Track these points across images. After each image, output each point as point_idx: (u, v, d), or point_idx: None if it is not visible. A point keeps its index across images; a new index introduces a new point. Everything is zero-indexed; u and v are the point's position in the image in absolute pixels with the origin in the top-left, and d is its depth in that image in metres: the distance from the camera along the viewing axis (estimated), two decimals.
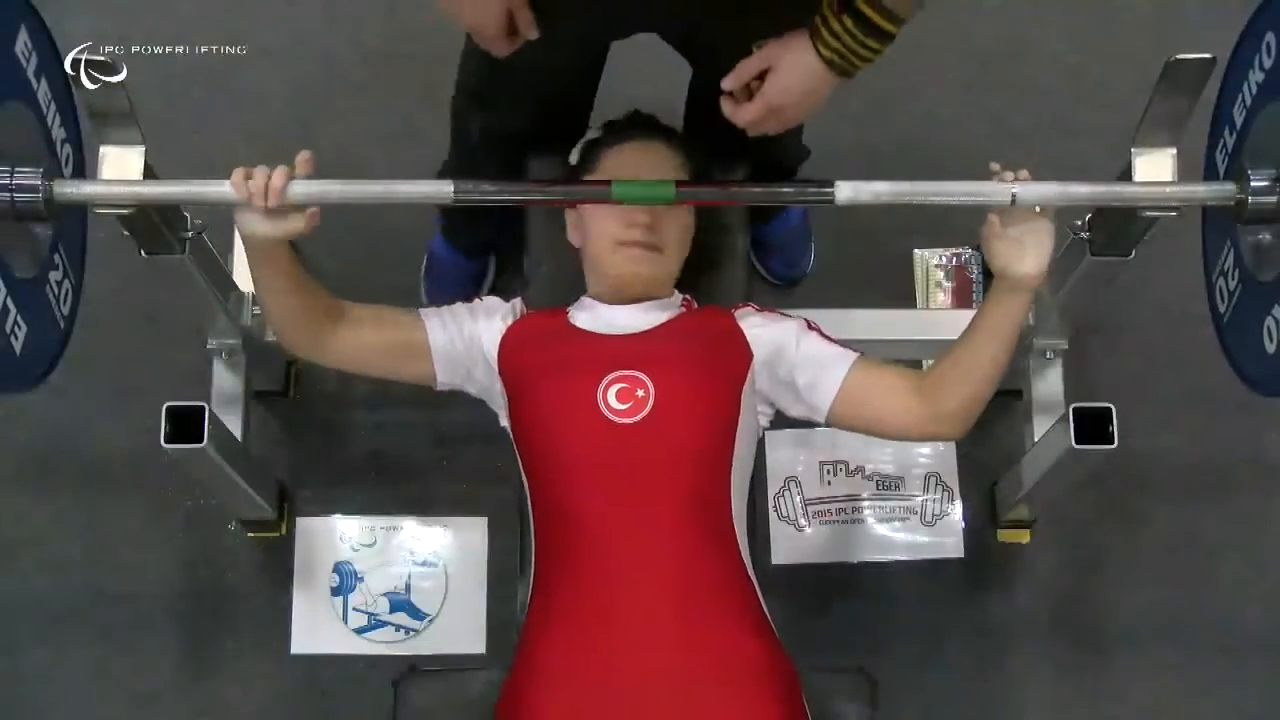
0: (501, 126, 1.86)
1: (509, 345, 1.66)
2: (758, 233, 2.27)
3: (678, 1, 1.65)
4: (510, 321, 1.69)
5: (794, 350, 1.64)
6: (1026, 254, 1.50)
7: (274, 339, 2.07)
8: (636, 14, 1.72)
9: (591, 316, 1.69)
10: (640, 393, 1.58)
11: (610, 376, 1.59)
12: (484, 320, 1.68)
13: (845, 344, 1.66)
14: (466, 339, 1.66)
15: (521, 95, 1.80)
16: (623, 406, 1.58)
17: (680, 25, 1.77)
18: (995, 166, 1.50)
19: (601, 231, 1.67)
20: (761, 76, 1.53)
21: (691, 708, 1.50)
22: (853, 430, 1.67)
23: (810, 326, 1.67)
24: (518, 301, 1.73)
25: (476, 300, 1.73)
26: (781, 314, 1.70)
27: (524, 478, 1.66)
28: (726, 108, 1.58)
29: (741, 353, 1.64)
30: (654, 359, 1.61)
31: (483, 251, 2.35)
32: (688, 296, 1.73)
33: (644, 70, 1.99)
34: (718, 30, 1.65)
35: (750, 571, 1.61)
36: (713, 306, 1.73)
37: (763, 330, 1.66)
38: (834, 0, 1.44)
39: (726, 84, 1.56)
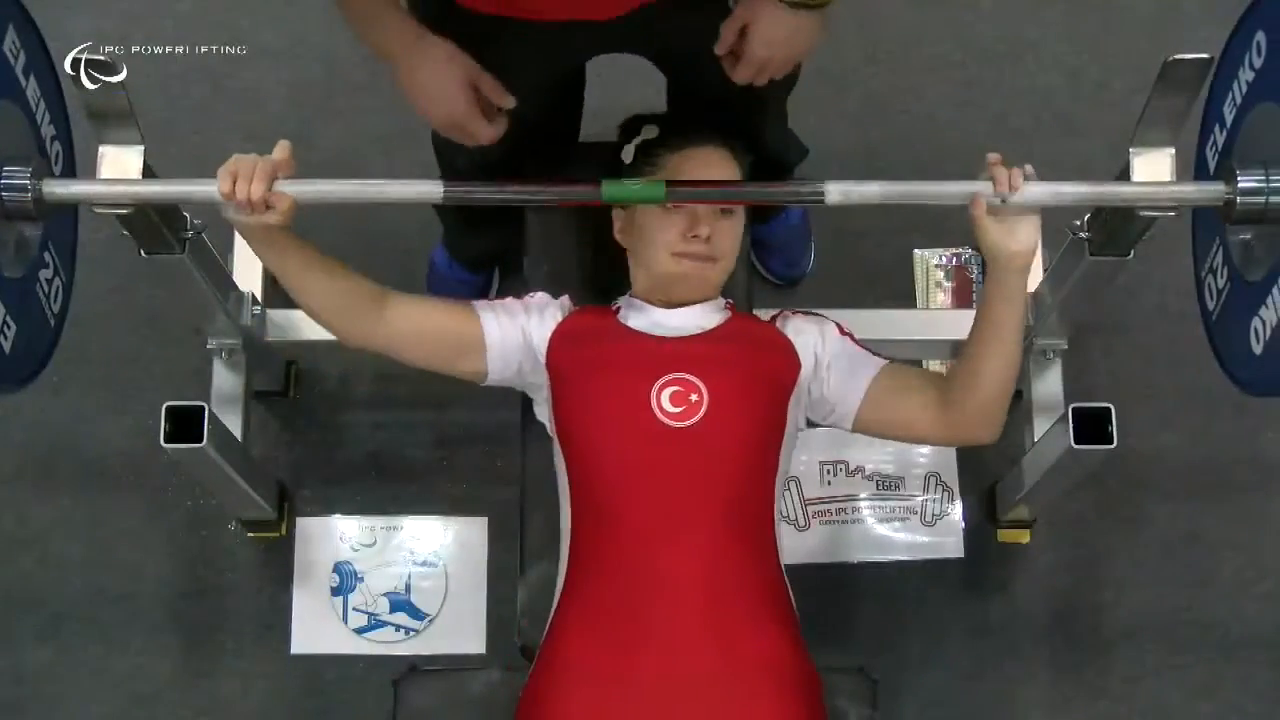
0: (485, 157, 1.84)
1: (559, 340, 1.65)
2: (758, 232, 2.27)
3: (634, 28, 1.62)
4: (560, 317, 1.67)
5: (824, 353, 1.64)
6: (1017, 231, 1.50)
7: (274, 339, 2.09)
8: (593, 44, 1.73)
9: (642, 317, 1.67)
10: (694, 397, 1.58)
11: (664, 379, 1.59)
12: (536, 315, 1.67)
13: (875, 350, 1.66)
14: (519, 334, 1.65)
15: (507, 139, 1.75)
16: (676, 410, 1.57)
17: (641, 45, 1.77)
18: (993, 157, 1.50)
19: (659, 240, 1.64)
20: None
21: (721, 711, 1.50)
22: (881, 436, 1.68)
23: (842, 331, 1.68)
24: (565, 299, 1.71)
25: (528, 296, 1.71)
26: (818, 316, 1.70)
27: (564, 473, 1.64)
28: (726, 67, 1.61)
29: (791, 362, 1.64)
30: (708, 362, 1.60)
31: (485, 265, 2.33)
32: (730, 300, 1.72)
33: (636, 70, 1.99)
34: (678, 34, 1.66)
35: (784, 576, 1.61)
36: (753, 315, 1.73)
37: (805, 338, 1.66)
38: None
39: (718, 49, 1.59)
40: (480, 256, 2.29)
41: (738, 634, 1.53)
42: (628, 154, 1.74)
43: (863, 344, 1.67)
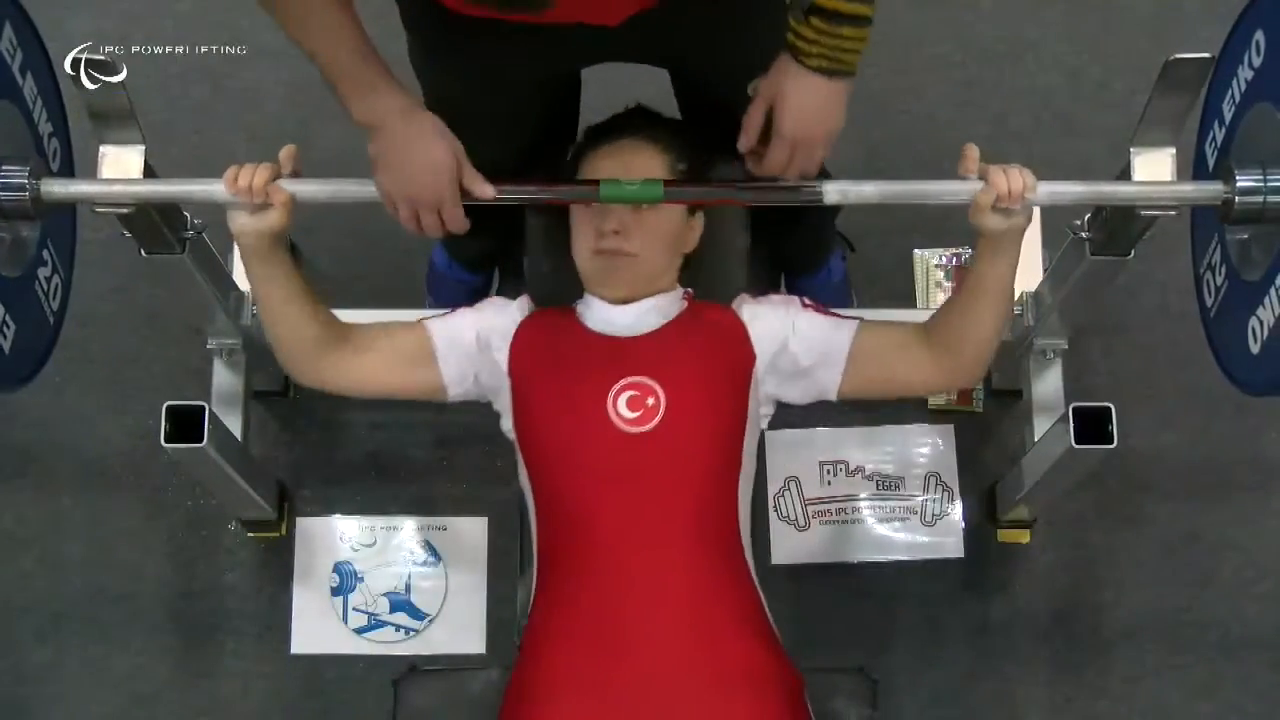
0: (492, 170, 1.83)
1: (520, 343, 1.64)
2: (794, 287, 2.24)
3: (640, 34, 1.59)
4: (520, 318, 1.67)
5: (793, 336, 1.63)
6: (1013, 215, 1.49)
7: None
8: (596, 50, 1.69)
9: (597, 316, 1.66)
10: (651, 401, 1.57)
11: (621, 384, 1.58)
12: (492, 317, 1.66)
13: (842, 316, 1.65)
14: (472, 339, 1.64)
15: (503, 143, 1.74)
16: (633, 415, 1.57)
17: (649, 53, 1.72)
18: (972, 154, 1.48)
19: (578, 238, 1.65)
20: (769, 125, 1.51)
21: (697, 716, 1.50)
22: (869, 397, 1.66)
23: (805, 305, 1.66)
24: (524, 299, 1.70)
25: (482, 301, 1.71)
26: (783, 296, 1.69)
27: (527, 482, 1.64)
28: (751, 166, 1.55)
29: (746, 354, 1.63)
30: (663, 365, 1.59)
31: (485, 265, 2.32)
32: (689, 290, 1.71)
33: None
34: (689, 43, 1.64)
35: (754, 579, 1.60)
36: (713, 303, 1.70)
37: (763, 323, 1.64)
38: (796, 11, 1.43)
39: (741, 146, 1.53)
40: (479, 257, 2.29)
41: (715, 639, 1.53)
42: (570, 155, 1.74)
43: (830, 311, 1.65)
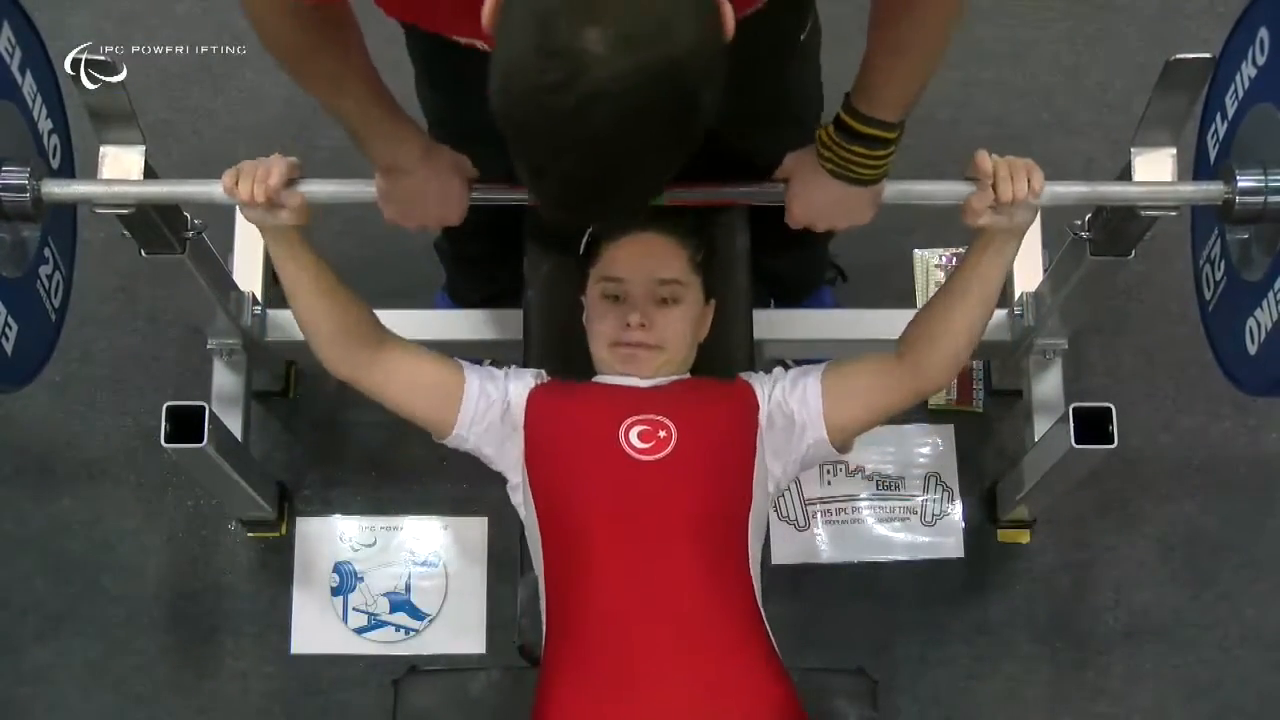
0: (489, 253, 1.81)
1: (536, 398, 1.63)
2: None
3: None
4: (537, 382, 1.66)
5: (783, 393, 1.61)
6: (1015, 214, 1.48)
7: (274, 339, 2.09)
8: None
9: (611, 379, 1.66)
10: (662, 433, 1.56)
11: (632, 419, 1.57)
12: (515, 380, 1.65)
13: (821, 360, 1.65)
14: (497, 395, 1.63)
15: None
16: (645, 445, 1.56)
17: None
18: (984, 165, 1.48)
19: (599, 332, 1.65)
20: None
21: None
22: (859, 431, 1.64)
23: (787, 367, 1.66)
24: (543, 371, 1.69)
25: (510, 366, 1.70)
26: (763, 374, 1.68)
27: (535, 525, 1.61)
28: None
29: (750, 401, 1.62)
30: (675, 405, 1.60)
31: (488, 307, 2.32)
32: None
33: None
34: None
35: (763, 615, 1.58)
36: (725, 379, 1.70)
37: (760, 388, 1.64)
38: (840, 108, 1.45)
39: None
40: (482, 302, 2.28)
41: (720, 675, 1.51)
42: (581, 247, 1.74)
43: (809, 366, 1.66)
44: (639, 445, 1.56)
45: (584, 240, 1.74)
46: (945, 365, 1.57)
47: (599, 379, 1.67)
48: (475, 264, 2.17)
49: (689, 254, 1.68)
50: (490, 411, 1.62)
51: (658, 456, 1.55)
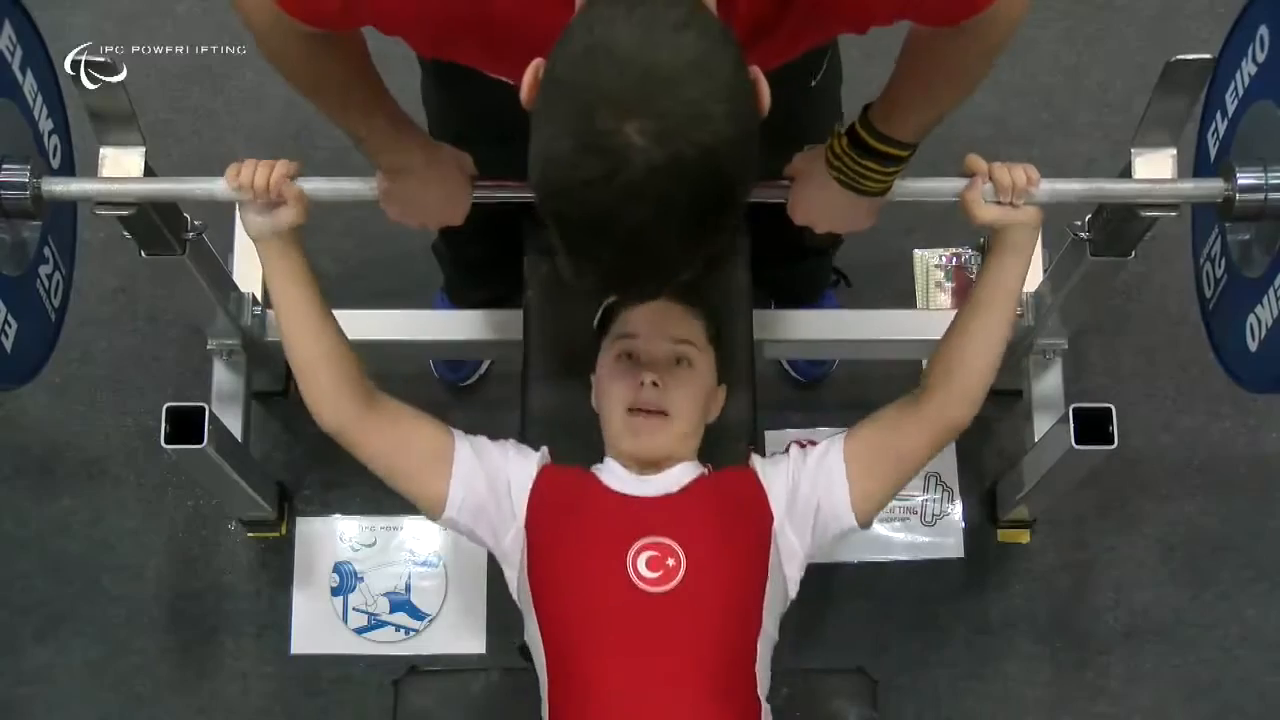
0: (488, 257, 1.79)
1: (539, 492, 1.58)
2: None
3: None
4: (539, 469, 1.60)
5: (800, 475, 1.58)
6: (1016, 196, 1.48)
7: (275, 338, 2.08)
8: None
9: (617, 479, 1.61)
10: (671, 561, 1.52)
11: (641, 543, 1.53)
12: (515, 461, 1.60)
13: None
14: (492, 473, 1.58)
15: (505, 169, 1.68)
16: (653, 575, 1.51)
17: None
18: (977, 166, 1.48)
19: (609, 396, 1.61)
20: None
21: None
22: (890, 490, 1.61)
23: (802, 446, 1.63)
24: (545, 450, 1.64)
25: (504, 441, 1.64)
26: (780, 457, 1.64)
27: (539, 640, 1.57)
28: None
29: (764, 513, 1.58)
30: (683, 525, 1.55)
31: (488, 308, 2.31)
32: (709, 465, 1.65)
33: None
34: None
35: None
36: (729, 468, 1.65)
37: (777, 476, 1.60)
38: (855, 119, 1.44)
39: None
40: (481, 300, 2.27)
41: None
42: (597, 319, 1.72)
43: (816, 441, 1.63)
44: (647, 575, 1.51)
45: (598, 315, 1.72)
46: (972, 389, 1.54)
47: (605, 477, 1.61)
48: (473, 268, 2.16)
49: (703, 324, 1.67)
50: (486, 491, 1.57)
51: (666, 588, 1.51)
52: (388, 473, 1.59)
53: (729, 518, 1.57)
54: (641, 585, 1.51)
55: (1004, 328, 1.52)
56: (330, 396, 1.55)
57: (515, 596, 1.60)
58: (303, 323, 1.53)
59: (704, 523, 1.56)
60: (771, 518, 1.57)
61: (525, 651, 1.69)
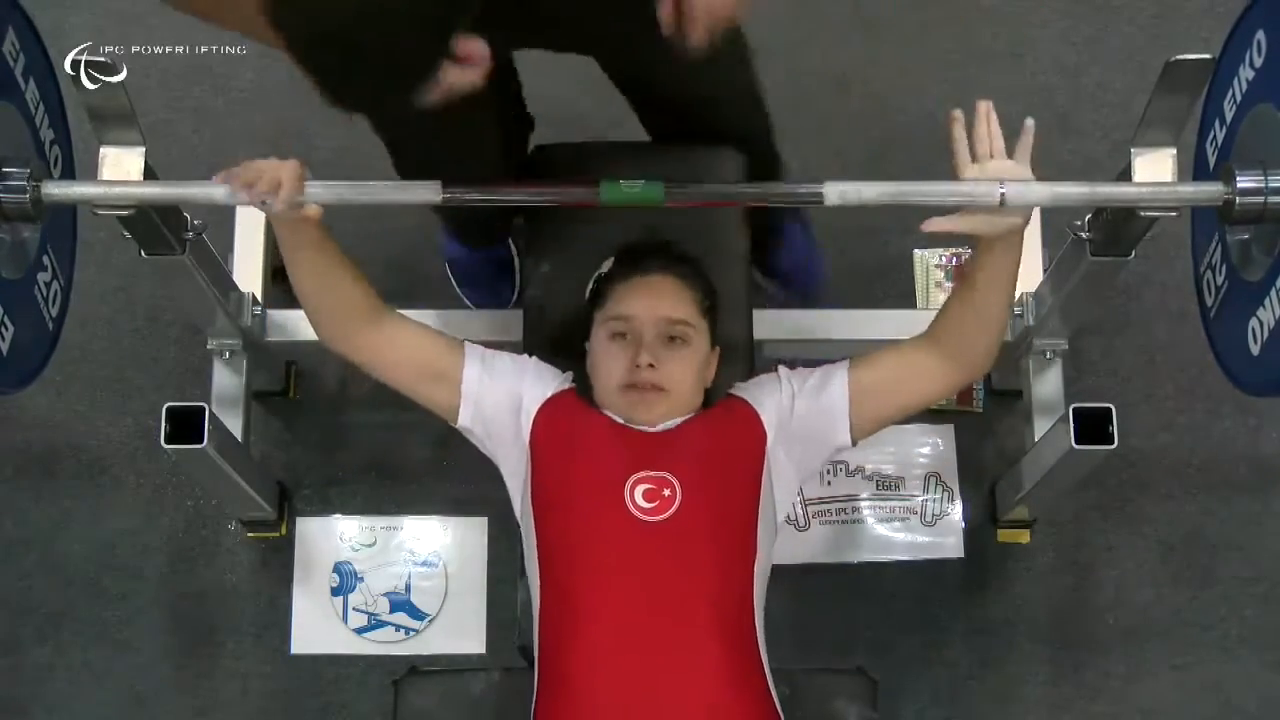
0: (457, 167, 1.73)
1: (545, 414, 1.63)
2: (771, 268, 2.24)
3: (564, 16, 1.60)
4: (555, 392, 1.65)
5: (795, 401, 1.62)
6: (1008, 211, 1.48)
7: (274, 339, 2.08)
8: (521, 32, 1.66)
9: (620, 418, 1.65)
10: (667, 492, 1.57)
11: (637, 476, 1.58)
12: (532, 380, 1.65)
13: (831, 363, 1.65)
14: (503, 390, 1.63)
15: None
16: (649, 505, 1.56)
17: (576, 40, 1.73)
18: (956, 114, 1.49)
19: (605, 372, 1.64)
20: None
21: None
22: (885, 426, 1.65)
23: (791, 368, 1.66)
24: (569, 376, 1.69)
25: (527, 358, 1.70)
26: (765, 377, 1.68)
27: (536, 571, 1.61)
28: (671, 33, 1.48)
29: (759, 435, 1.62)
30: (679, 457, 1.59)
31: (494, 239, 2.30)
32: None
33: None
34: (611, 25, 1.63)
35: (769, 678, 1.57)
36: (720, 400, 1.69)
37: (768, 399, 1.64)
38: None
39: (664, 27, 1.47)
40: (484, 231, 2.25)
41: None
42: (588, 291, 1.74)
43: (818, 364, 1.65)
44: (644, 505, 1.56)
45: (590, 285, 1.74)
46: (987, 348, 1.58)
47: (607, 411, 1.65)
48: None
49: (698, 297, 1.68)
50: (495, 409, 1.62)
51: (662, 517, 1.56)
52: (400, 386, 1.65)
53: (724, 444, 1.61)
54: (638, 515, 1.56)
55: (1010, 297, 1.56)
56: (336, 327, 1.61)
57: (518, 516, 1.65)
58: (316, 281, 1.57)
59: (699, 452, 1.60)
60: (765, 439, 1.62)
61: (525, 651, 1.69)
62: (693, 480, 1.57)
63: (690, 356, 1.65)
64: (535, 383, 1.65)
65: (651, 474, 1.57)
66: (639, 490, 1.57)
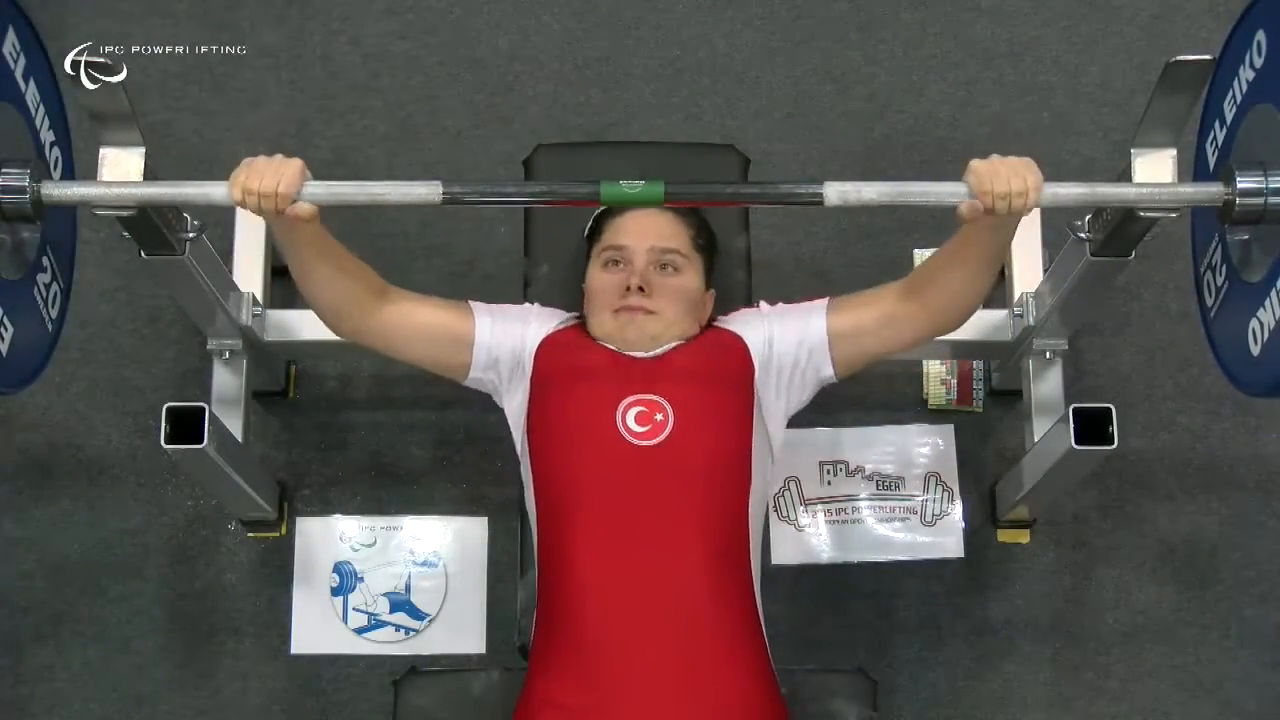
0: None
1: (545, 347, 1.67)
2: None
3: None
4: (557, 326, 1.69)
5: (775, 338, 1.65)
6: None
7: (274, 339, 2.09)
8: None
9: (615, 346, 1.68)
10: (659, 416, 1.59)
11: (629, 400, 1.60)
12: (536, 322, 1.69)
13: (810, 302, 1.68)
14: (512, 341, 1.66)
15: None
16: (642, 429, 1.58)
17: None
18: (980, 183, 1.47)
19: (598, 302, 1.68)
20: None
21: None
22: (866, 364, 1.68)
23: (771, 304, 1.70)
24: (573, 315, 1.73)
25: (528, 305, 1.74)
26: (747, 311, 1.72)
27: (533, 498, 1.64)
28: None
29: (747, 366, 1.65)
30: (672, 384, 1.61)
31: None
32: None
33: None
34: None
35: (760, 612, 1.59)
36: (708, 330, 1.72)
37: (753, 333, 1.67)
38: None
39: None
40: None
41: (709, 677, 1.52)
42: (587, 229, 1.78)
43: (796, 303, 1.69)
44: (636, 429, 1.59)
45: (589, 224, 1.76)
46: (954, 312, 1.62)
47: (604, 344, 1.68)
48: None
49: (691, 233, 1.71)
50: (504, 358, 1.65)
51: (655, 441, 1.58)
52: (411, 359, 1.68)
53: (714, 370, 1.64)
54: (631, 439, 1.58)
55: (997, 266, 1.59)
56: (350, 317, 1.63)
57: (519, 454, 1.68)
58: (314, 276, 1.59)
59: (690, 377, 1.63)
60: (753, 367, 1.65)
61: (525, 651, 1.69)
62: (685, 404, 1.59)
63: (681, 284, 1.68)
64: (539, 322, 1.69)
65: (643, 397, 1.60)
66: (631, 414, 1.59)
